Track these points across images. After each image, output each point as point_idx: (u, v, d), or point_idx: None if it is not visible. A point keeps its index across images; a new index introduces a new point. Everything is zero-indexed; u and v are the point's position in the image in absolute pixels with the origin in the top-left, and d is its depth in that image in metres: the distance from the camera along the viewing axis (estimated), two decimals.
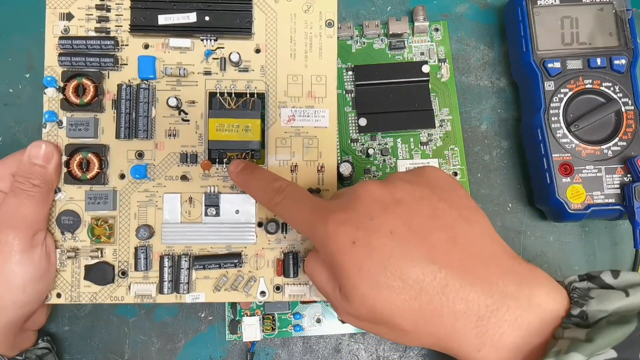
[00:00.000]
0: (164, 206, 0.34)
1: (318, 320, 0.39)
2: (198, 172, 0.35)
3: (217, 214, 0.34)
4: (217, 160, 0.35)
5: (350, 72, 0.43)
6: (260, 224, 0.35)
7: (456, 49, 0.44)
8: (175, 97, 0.34)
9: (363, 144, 0.41)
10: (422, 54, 0.43)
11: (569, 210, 0.37)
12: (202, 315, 0.40)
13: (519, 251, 0.40)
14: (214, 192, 0.35)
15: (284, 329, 0.39)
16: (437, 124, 0.41)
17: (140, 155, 0.35)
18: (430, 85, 0.42)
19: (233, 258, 0.34)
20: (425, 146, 0.41)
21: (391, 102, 0.41)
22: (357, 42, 0.43)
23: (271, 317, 0.38)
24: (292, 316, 0.39)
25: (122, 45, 0.35)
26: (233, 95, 0.35)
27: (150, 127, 0.35)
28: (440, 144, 0.41)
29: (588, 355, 0.21)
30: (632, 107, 0.38)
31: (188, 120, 0.35)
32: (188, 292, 0.34)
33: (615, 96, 0.38)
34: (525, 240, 0.41)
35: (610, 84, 0.39)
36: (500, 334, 0.24)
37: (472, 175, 0.42)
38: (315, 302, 0.38)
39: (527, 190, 0.41)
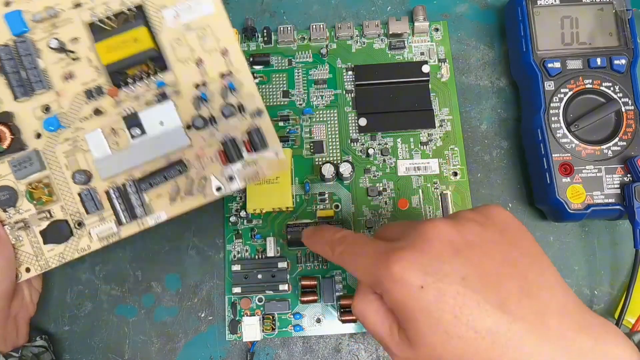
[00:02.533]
0: (90, 146, 0.33)
1: (318, 320, 0.39)
2: (109, 102, 0.34)
3: (144, 132, 0.33)
4: (121, 83, 0.33)
5: (350, 72, 0.43)
6: (188, 127, 0.34)
7: (456, 49, 0.44)
8: (55, 39, 0.33)
9: (363, 144, 0.41)
10: (422, 54, 0.43)
11: (569, 210, 0.37)
12: (202, 315, 0.40)
13: None
14: (131, 112, 0.33)
15: (284, 329, 0.39)
16: (437, 124, 0.42)
17: (46, 109, 0.33)
18: (430, 85, 0.42)
19: (175, 166, 0.33)
20: (425, 146, 0.41)
21: (391, 102, 0.41)
22: (357, 42, 0.43)
23: (271, 317, 0.38)
24: (292, 316, 0.39)
25: None
26: (111, 16, 0.33)
27: (44, 77, 0.33)
28: (440, 144, 0.41)
29: None
30: (632, 107, 0.38)
31: (78, 58, 0.34)
32: (147, 215, 0.33)
33: (615, 96, 0.38)
34: None
35: (610, 84, 0.39)
36: None
37: (472, 175, 0.42)
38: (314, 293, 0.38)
39: (527, 190, 0.41)
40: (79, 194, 0.34)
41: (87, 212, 0.34)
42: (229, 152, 0.33)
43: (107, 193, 0.33)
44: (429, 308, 0.23)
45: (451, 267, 0.23)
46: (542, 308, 0.23)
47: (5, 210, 0.34)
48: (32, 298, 0.38)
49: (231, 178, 0.34)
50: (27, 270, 0.34)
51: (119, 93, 0.33)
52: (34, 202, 0.34)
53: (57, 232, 0.34)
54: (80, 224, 0.34)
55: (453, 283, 0.23)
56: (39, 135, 0.33)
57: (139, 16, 0.33)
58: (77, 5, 0.33)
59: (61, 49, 0.33)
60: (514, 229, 0.26)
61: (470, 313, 0.22)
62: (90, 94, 0.33)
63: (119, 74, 0.33)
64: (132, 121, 0.33)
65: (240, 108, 0.34)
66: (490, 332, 0.22)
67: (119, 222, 0.34)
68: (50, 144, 0.34)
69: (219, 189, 0.34)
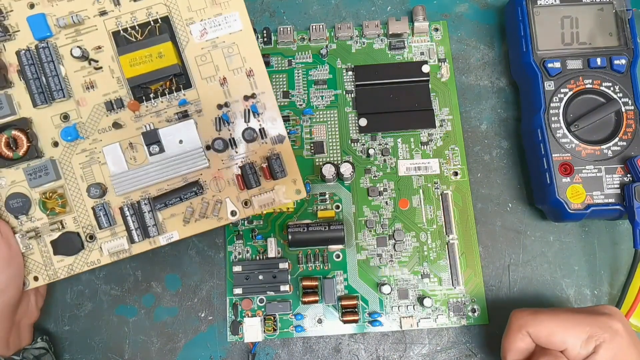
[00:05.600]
0: (107, 159, 0.33)
1: (319, 321, 0.39)
2: (129, 115, 0.33)
3: (162, 150, 0.33)
4: (143, 97, 0.33)
5: (350, 73, 0.43)
6: (208, 147, 0.33)
7: (456, 49, 0.44)
8: (79, 47, 0.32)
9: (363, 144, 0.41)
10: (422, 54, 0.43)
11: (569, 210, 0.37)
12: (202, 315, 0.40)
13: (519, 251, 0.40)
14: (151, 128, 0.33)
15: (285, 330, 0.38)
16: (437, 124, 0.41)
17: (65, 117, 0.33)
18: (430, 85, 0.42)
19: (192, 187, 0.33)
20: (425, 146, 0.41)
21: (391, 102, 0.41)
22: (357, 42, 0.43)
23: (272, 318, 0.38)
24: (293, 317, 0.39)
25: (7, 12, 0.33)
26: (136, 27, 0.33)
27: (65, 85, 0.33)
28: (440, 143, 0.41)
29: None
30: (632, 107, 0.38)
31: (100, 67, 0.33)
32: (159, 234, 0.33)
33: (615, 96, 0.38)
34: (525, 240, 0.41)
35: (610, 84, 0.39)
36: None
37: (472, 175, 0.42)
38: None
39: (527, 190, 0.41)
40: (93, 208, 0.33)
41: (100, 227, 0.33)
42: (247, 178, 0.33)
43: (121, 209, 0.33)
44: None
45: None
46: None
47: (17, 218, 0.34)
48: (37, 304, 0.38)
49: (246, 203, 0.34)
50: (35, 279, 0.34)
51: (140, 107, 0.33)
52: (47, 212, 0.34)
53: (68, 244, 0.34)
54: (92, 237, 0.34)
55: None
56: (56, 144, 0.33)
57: (165, 29, 0.33)
58: (103, 12, 0.33)
59: (84, 57, 0.33)
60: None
61: None
62: (110, 106, 0.33)
63: (141, 88, 0.33)
64: (151, 137, 0.33)
65: (262, 132, 0.33)
66: None
67: (131, 240, 0.33)
68: (67, 154, 0.33)
69: (233, 213, 0.33)
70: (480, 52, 0.44)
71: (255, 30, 0.43)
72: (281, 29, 0.43)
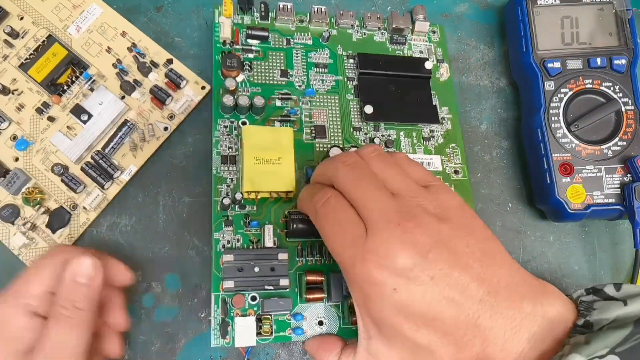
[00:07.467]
0: (57, 146, 0.40)
1: (320, 323, 0.36)
2: (57, 109, 0.41)
3: (91, 115, 0.40)
4: (59, 92, 0.41)
5: (352, 60, 0.42)
6: (123, 97, 0.41)
7: (456, 49, 0.44)
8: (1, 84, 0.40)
9: (366, 134, 0.40)
10: (420, 52, 0.43)
11: (569, 210, 0.37)
12: (202, 315, 0.39)
13: (519, 251, 0.40)
14: (75, 107, 0.41)
15: (281, 333, 0.35)
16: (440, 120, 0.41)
17: (14, 137, 0.40)
18: (431, 84, 0.42)
19: (124, 127, 0.40)
20: (427, 142, 0.41)
21: (394, 94, 0.40)
22: (357, 32, 0.42)
23: (267, 318, 0.35)
24: (291, 317, 0.36)
25: None
26: (32, 52, 0.41)
27: (3, 118, 0.40)
28: (441, 141, 0.41)
29: (587, 356, 0.24)
30: (632, 107, 0.38)
31: (22, 92, 0.40)
32: (121, 172, 0.40)
33: (615, 96, 0.39)
34: (525, 240, 0.41)
35: (610, 84, 0.39)
36: (520, 349, 0.26)
37: (472, 175, 0.42)
38: (320, 299, 0.36)
39: (527, 190, 0.42)
40: (62, 180, 0.39)
41: (75, 192, 0.39)
42: (159, 96, 0.41)
43: (82, 169, 0.40)
44: (400, 305, 0.27)
45: (421, 271, 0.27)
46: (494, 290, 0.27)
47: (13, 223, 0.38)
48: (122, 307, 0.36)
49: (171, 117, 0.41)
50: None
51: (61, 99, 0.41)
52: (31, 204, 0.38)
53: (58, 218, 0.39)
54: (74, 207, 0.39)
55: (423, 283, 0.27)
56: (17, 159, 0.40)
57: (52, 41, 0.42)
58: (5, 57, 0.41)
59: (6, 91, 0.41)
60: (468, 214, 0.29)
61: (439, 303, 0.27)
62: (40, 111, 0.41)
63: (54, 86, 0.41)
64: (79, 111, 0.41)
65: (154, 64, 0.42)
66: (453, 317, 0.26)
67: (101, 187, 0.39)
68: (27, 160, 0.40)
69: (165, 128, 0.41)
70: (480, 52, 0.44)
71: (252, 2, 0.42)
72: (281, 5, 0.41)
